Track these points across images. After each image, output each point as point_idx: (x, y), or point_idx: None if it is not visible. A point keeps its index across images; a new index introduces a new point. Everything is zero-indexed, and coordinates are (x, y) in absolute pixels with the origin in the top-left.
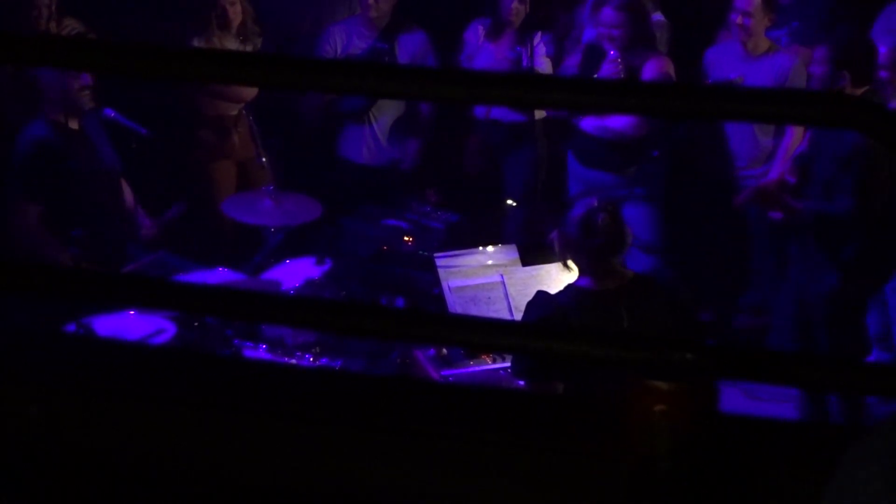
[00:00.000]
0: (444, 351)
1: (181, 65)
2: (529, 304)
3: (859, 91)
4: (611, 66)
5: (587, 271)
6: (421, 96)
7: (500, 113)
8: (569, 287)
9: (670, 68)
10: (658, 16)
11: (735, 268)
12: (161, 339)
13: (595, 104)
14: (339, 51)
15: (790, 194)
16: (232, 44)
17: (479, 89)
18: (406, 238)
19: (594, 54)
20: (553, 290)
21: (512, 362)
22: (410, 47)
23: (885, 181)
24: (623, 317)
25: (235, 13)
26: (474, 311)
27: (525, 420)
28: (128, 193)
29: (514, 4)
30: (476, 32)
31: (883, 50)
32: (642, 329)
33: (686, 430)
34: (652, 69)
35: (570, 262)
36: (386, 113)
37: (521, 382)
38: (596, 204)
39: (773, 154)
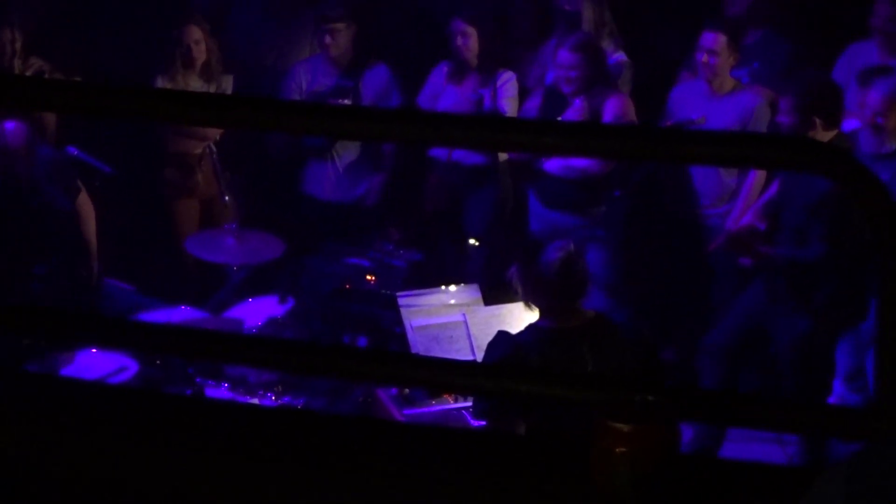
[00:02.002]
0: (406, 390)
1: (146, 105)
2: (490, 345)
3: (829, 134)
4: (574, 115)
5: (550, 311)
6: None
7: (462, 155)
8: (530, 326)
9: (630, 107)
10: (621, 55)
11: (698, 308)
12: (123, 376)
13: (557, 147)
14: (304, 89)
15: (761, 241)
16: (196, 83)
17: (439, 131)
18: (368, 276)
19: (554, 97)
20: (514, 330)
21: (473, 404)
22: (375, 85)
23: (856, 226)
24: (586, 356)
25: (200, 52)
26: (437, 349)
27: (487, 460)
28: (89, 230)
29: (471, 44)
30: (441, 73)
31: (876, 96)
32: (605, 368)
33: (647, 472)
34: (612, 108)
35: (530, 303)
36: (349, 150)
37: (483, 423)
38: (572, 248)
39: (736, 193)
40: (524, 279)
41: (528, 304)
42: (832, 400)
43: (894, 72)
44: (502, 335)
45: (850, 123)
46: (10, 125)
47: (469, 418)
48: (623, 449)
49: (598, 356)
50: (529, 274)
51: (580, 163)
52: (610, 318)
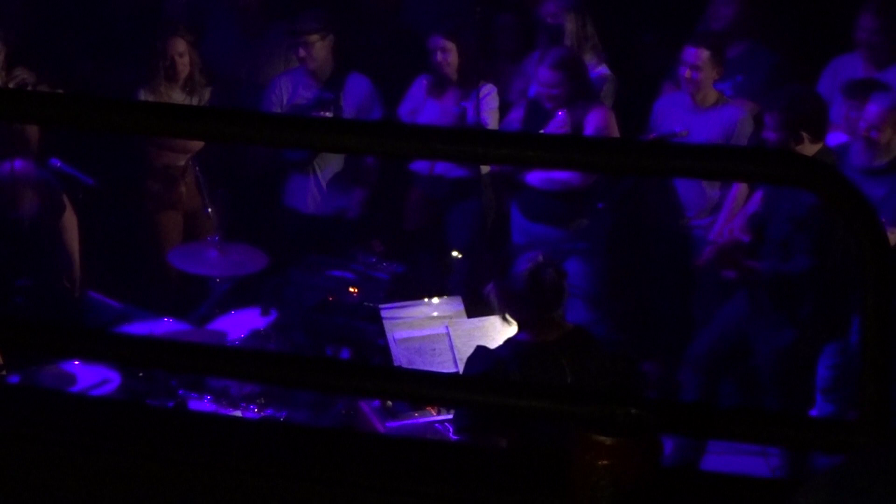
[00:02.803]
0: (389, 402)
1: (130, 117)
2: (469, 359)
3: (815, 148)
4: (556, 128)
5: (528, 325)
6: (364, 150)
7: (444, 168)
8: (509, 341)
9: (612, 120)
10: (604, 69)
11: (681, 320)
12: (106, 389)
13: (541, 160)
14: (285, 101)
15: (746, 254)
16: (178, 95)
17: (422, 144)
18: (351, 289)
19: (537, 111)
20: (497, 342)
21: (454, 419)
22: (356, 97)
23: (840, 239)
24: (565, 369)
25: (184, 65)
26: (419, 362)
27: (469, 474)
28: (72, 245)
29: (450, 59)
30: (421, 87)
31: (874, 110)
32: (585, 381)
33: (629, 485)
34: (594, 121)
35: (507, 316)
36: (330, 163)
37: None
38: (541, 259)
39: (719, 205)
40: (498, 293)
41: (504, 319)
42: (814, 412)
43: (892, 87)
44: (481, 350)
45: (834, 137)
46: (18, 164)
47: (452, 431)
48: (605, 462)
49: (577, 369)
50: (503, 287)
51: (562, 175)
52: (589, 331)
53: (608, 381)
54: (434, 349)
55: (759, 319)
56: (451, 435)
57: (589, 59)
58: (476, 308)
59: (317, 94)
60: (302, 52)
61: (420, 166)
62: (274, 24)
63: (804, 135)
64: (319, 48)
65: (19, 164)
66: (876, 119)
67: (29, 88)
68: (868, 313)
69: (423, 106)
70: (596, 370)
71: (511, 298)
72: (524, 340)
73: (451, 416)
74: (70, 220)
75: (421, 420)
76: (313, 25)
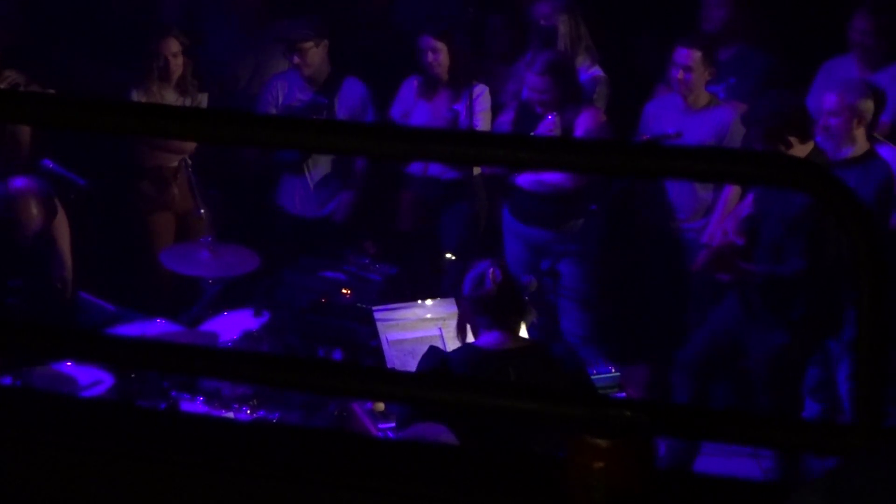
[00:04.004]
0: (381, 405)
1: (122, 118)
2: (423, 357)
3: (805, 148)
4: (546, 129)
5: (484, 332)
6: (359, 152)
7: (438, 170)
8: (464, 345)
9: (603, 121)
10: (597, 70)
11: (673, 322)
12: (98, 390)
13: (533, 162)
14: (280, 102)
15: (740, 257)
16: (171, 96)
17: (416, 145)
18: (344, 290)
19: (527, 112)
20: None
21: (399, 413)
22: (350, 101)
23: (834, 239)
24: (510, 378)
25: (177, 65)
26: (412, 364)
27: (463, 476)
28: (64, 247)
29: (441, 60)
30: (411, 88)
31: (831, 98)
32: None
33: (624, 487)
34: (584, 122)
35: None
36: (320, 165)
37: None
38: (487, 267)
39: (712, 207)
40: (457, 299)
41: (461, 329)
42: (805, 414)
43: (857, 78)
44: (433, 350)
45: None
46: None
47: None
48: (600, 464)
49: (523, 379)
50: (462, 292)
51: (552, 177)
52: (544, 345)
53: None
54: None
55: (752, 321)
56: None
57: (582, 60)
58: None
59: (311, 97)
60: (297, 60)
61: (414, 168)
62: (273, 23)
63: (791, 139)
64: (314, 55)
65: (19, 183)
66: (833, 105)
67: (21, 89)
68: (863, 314)
69: (414, 108)
70: (542, 382)
71: (463, 305)
72: (476, 346)
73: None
74: (61, 223)
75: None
76: (307, 33)
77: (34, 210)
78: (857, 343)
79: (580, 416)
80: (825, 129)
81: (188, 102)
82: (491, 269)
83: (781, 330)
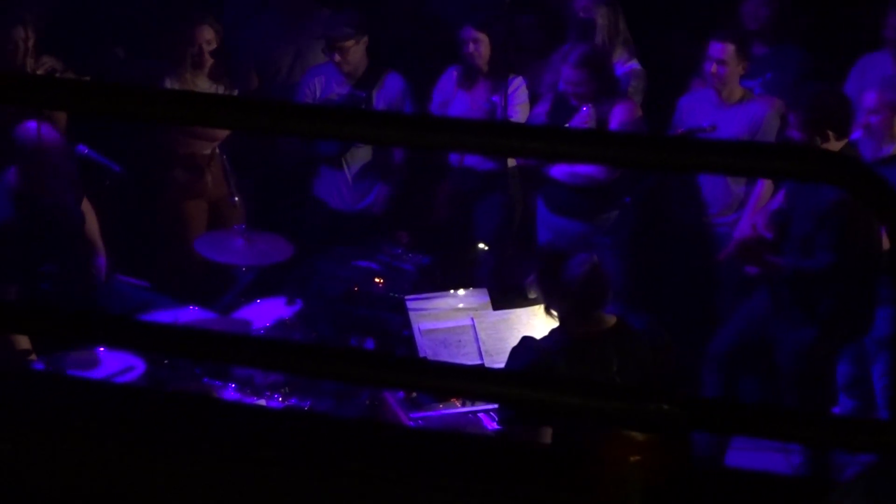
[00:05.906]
0: (414, 394)
1: (157, 106)
2: (514, 350)
3: (839, 144)
4: (581, 121)
5: (573, 318)
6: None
7: (474, 160)
8: (554, 332)
9: (637, 114)
10: (634, 64)
11: (703, 316)
12: (130, 376)
13: (569, 154)
14: (317, 95)
15: (768, 250)
16: (204, 84)
17: (452, 137)
18: (377, 280)
19: (562, 105)
20: (524, 334)
21: (498, 409)
22: (388, 94)
23: (863, 235)
24: (613, 360)
25: (211, 53)
26: (444, 353)
27: (495, 468)
28: (93, 232)
29: (482, 51)
30: (451, 79)
31: (871, 96)
32: (631, 371)
33: (660, 482)
34: (619, 115)
35: (552, 310)
36: (359, 158)
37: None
38: (594, 260)
39: (744, 202)
40: (546, 290)
41: (548, 312)
42: (836, 410)
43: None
44: (528, 341)
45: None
46: (32, 125)
47: (476, 422)
48: (636, 458)
49: (623, 360)
50: (552, 286)
51: (585, 169)
52: (629, 322)
53: (651, 371)
54: (459, 341)
55: (781, 316)
56: (484, 425)
57: (620, 54)
58: (502, 300)
59: (349, 91)
60: (337, 58)
61: (452, 158)
62: (312, 15)
63: (829, 133)
64: (354, 51)
65: (46, 130)
66: (873, 103)
67: (57, 76)
68: None
69: (453, 98)
70: (640, 360)
71: (561, 297)
72: (570, 332)
73: (476, 408)
74: (88, 208)
75: (446, 412)
76: (348, 31)
77: (54, 160)
78: (893, 339)
79: (617, 410)
80: (866, 126)
81: (222, 90)
82: (595, 258)
83: (809, 325)
